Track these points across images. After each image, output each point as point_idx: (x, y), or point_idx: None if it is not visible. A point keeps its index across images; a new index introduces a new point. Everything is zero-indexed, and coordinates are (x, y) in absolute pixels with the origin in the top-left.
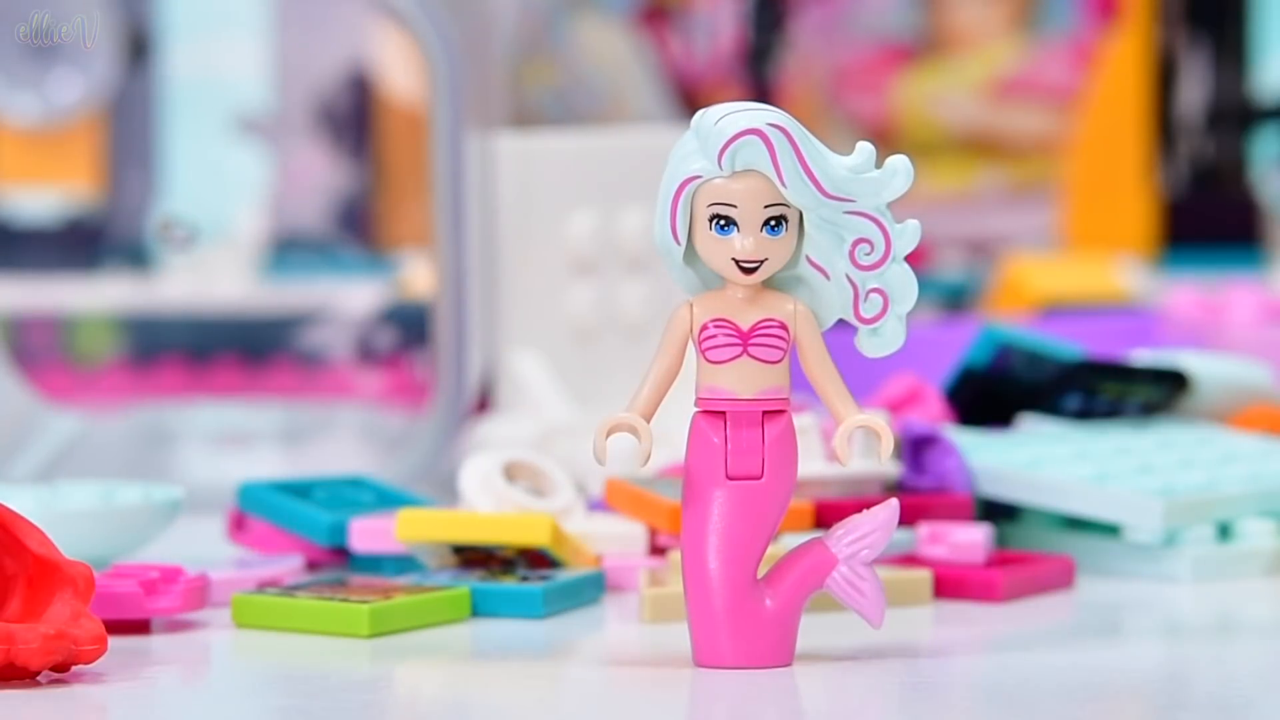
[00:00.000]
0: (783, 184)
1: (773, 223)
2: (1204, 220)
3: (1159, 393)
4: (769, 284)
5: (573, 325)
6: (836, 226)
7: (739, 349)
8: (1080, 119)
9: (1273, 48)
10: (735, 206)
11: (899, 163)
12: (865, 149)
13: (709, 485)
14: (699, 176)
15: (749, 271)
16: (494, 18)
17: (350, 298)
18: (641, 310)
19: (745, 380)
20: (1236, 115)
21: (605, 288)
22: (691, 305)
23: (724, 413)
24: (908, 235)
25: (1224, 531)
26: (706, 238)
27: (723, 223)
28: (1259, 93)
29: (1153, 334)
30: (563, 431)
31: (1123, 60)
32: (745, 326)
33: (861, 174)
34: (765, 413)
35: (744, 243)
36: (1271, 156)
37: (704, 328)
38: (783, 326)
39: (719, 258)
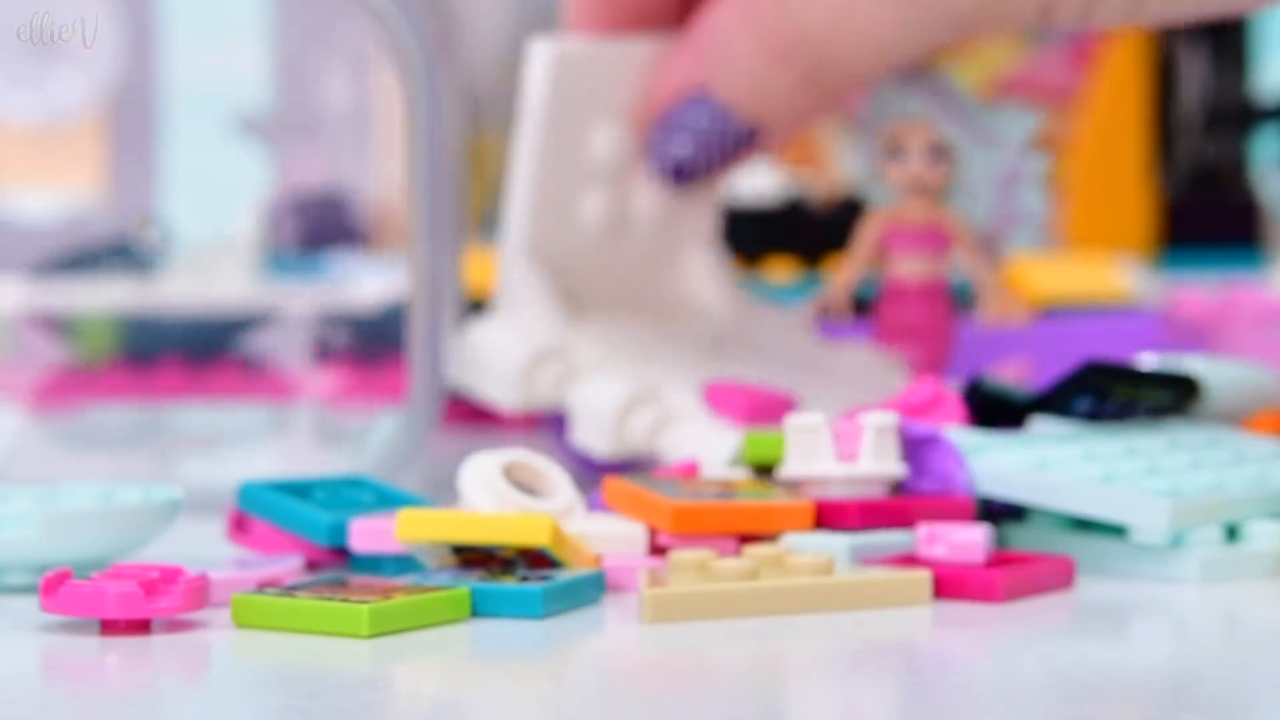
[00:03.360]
0: None
1: None
2: (1204, 220)
3: (1169, 397)
4: None
5: (584, 232)
6: None
7: None
8: (1080, 119)
9: (1272, 48)
10: None
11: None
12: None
13: None
14: None
15: None
16: (460, 18)
17: (349, 297)
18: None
19: None
20: (1236, 116)
21: (619, 193)
22: None
23: None
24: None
25: (1231, 533)
26: None
27: None
28: (1259, 93)
29: (1153, 334)
30: (554, 350)
31: (1123, 60)
32: None
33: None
34: None
35: None
36: (1271, 156)
37: None
38: None
39: None
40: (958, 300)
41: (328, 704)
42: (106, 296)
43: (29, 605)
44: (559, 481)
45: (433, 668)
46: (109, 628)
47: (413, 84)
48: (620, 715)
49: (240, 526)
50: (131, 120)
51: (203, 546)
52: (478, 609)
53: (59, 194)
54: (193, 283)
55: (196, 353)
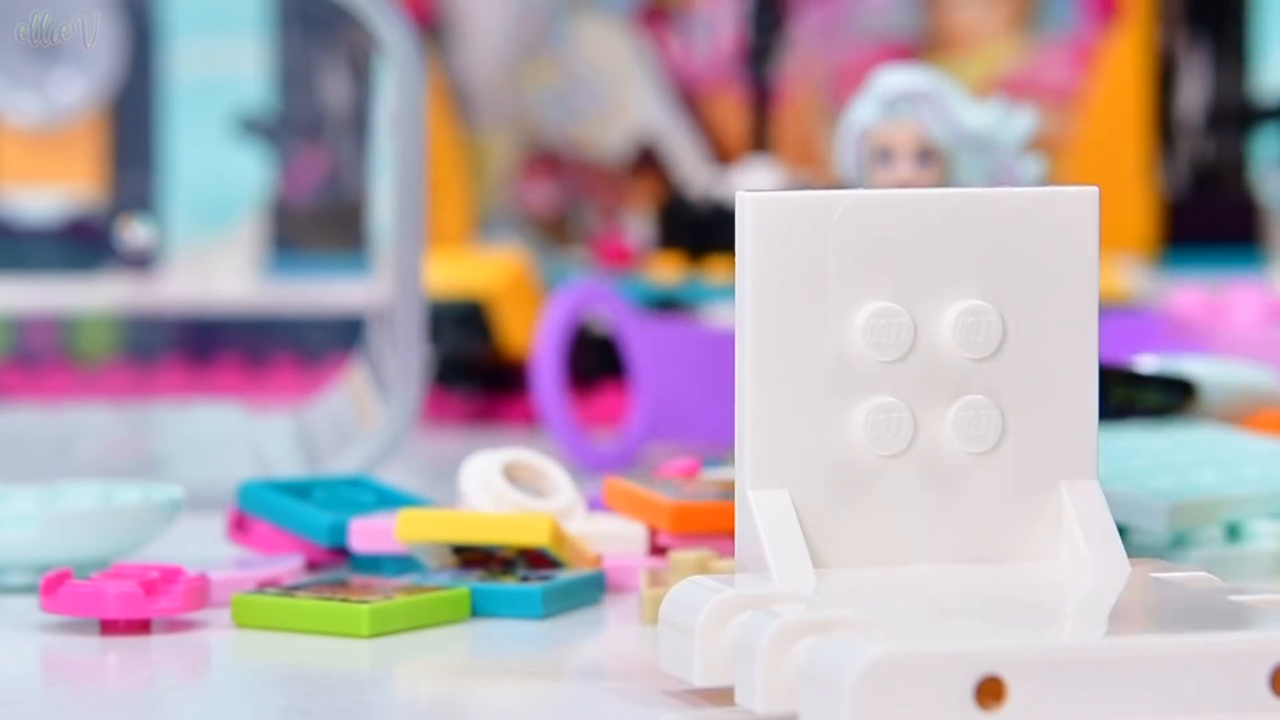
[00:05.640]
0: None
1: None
2: (1204, 220)
3: (1167, 399)
4: None
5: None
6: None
7: None
8: (1080, 119)
9: (1273, 48)
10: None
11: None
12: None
13: None
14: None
15: None
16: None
17: (344, 296)
18: None
19: None
20: (1236, 115)
21: None
22: None
23: None
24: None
25: (1232, 533)
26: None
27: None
28: (1259, 93)
29: (1153, 334)
30: None
31: (1123, 60)
32: None
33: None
34: None
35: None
36: (1271, 156)
37: None
38: None
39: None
40: None
41: (328, 704)
42: (106, 296)
43: (29, 605)
44: (559, 481)
45: (433, 668)
46: (109, 628)
47: (399, 82)
48: (620, 715)
49: (240, 526)
50: (131, 120)
51: (203, 546)
52: (478, 609)
53: (59, 193)
54: (193, 282)
55: (196, 353)
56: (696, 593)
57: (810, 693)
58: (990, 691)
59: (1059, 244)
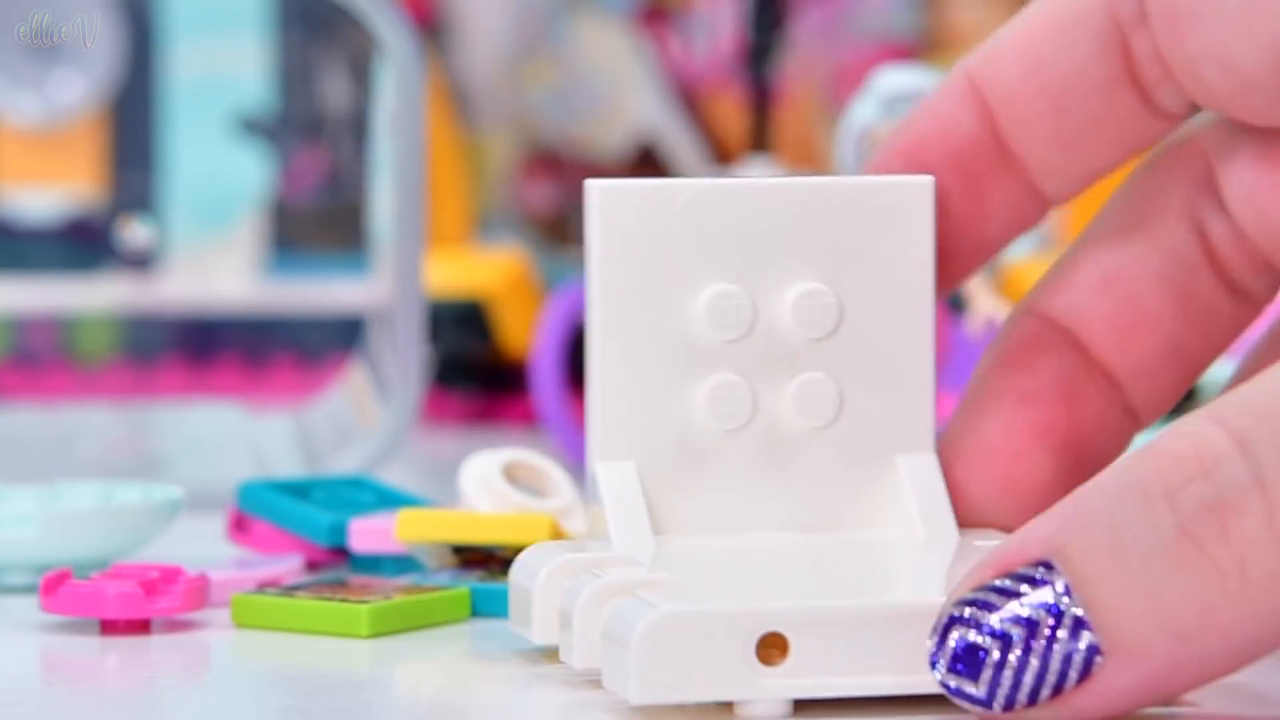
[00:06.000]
0: None
1: None
2: None
3: None
4: None
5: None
6: None
7: None
8: None
9: None
10: None
11: None
12: None
13: None
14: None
15: None
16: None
17: (344, 296)
18: None
19: None
20: None
21: None
22: None
23: None
24: None
25: None
26: None
27: None
28: None
29: None
30: None
31: None
32: None
33: None
34: None
35: None
36: None
37: None
38: None
39: None
40: (949, 307)
41: (328, 704)
42: (106, 296)
43: (29, 605)
44: (559, 481)
45: (433, 668)
46: (109, 628)
47: (398, 82)
48: (620, 715)
49: (240, 526)
50: (131, 120)
51: (203, 546)
52: (478, 609)
53: (59, 193)
54: (193, 282)
55: (196, 353)
56: (541, 556)
57: (608, 650)
58: (775, 647)
59: (896, 231)
